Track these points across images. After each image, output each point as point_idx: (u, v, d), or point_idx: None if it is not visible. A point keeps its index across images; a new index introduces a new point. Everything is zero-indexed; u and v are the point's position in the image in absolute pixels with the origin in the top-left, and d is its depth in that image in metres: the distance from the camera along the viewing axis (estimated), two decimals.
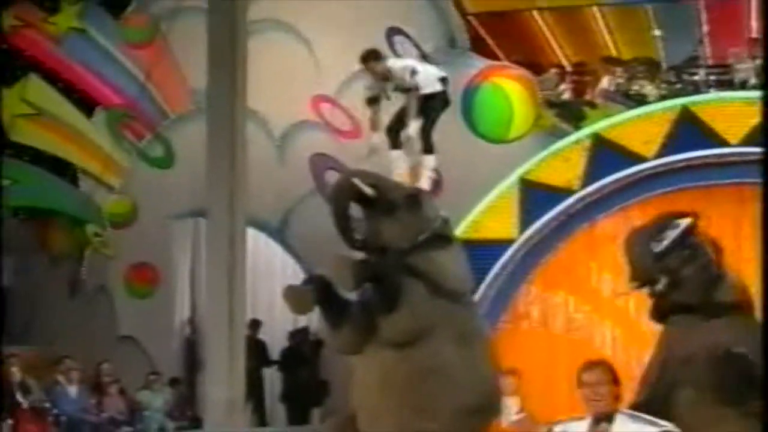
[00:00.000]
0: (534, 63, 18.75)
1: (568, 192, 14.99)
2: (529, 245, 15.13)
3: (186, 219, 17.98)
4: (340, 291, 9.69)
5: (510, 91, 16.52)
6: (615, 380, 6.51)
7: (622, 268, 14.47)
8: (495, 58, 18.78)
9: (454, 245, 10.05)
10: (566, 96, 18.39)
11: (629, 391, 8.08)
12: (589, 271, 15.21)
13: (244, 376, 14.88)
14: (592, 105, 17.62)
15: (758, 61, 16.60)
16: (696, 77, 17.56)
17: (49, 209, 18.90)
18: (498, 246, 15.04)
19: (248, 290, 15.62)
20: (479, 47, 18.63)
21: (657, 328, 9.50)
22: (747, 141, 14.10)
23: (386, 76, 10.37)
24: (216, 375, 14.79)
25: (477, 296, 13.19)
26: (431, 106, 10.34)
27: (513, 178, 15.22)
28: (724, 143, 14.41)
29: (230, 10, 15.05)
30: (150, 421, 15.97)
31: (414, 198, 9.71)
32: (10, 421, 14.37)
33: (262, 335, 17.54)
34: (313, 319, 14.34)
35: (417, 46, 17.26)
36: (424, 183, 10.25)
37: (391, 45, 17.03)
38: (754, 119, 13.96)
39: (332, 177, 16.01)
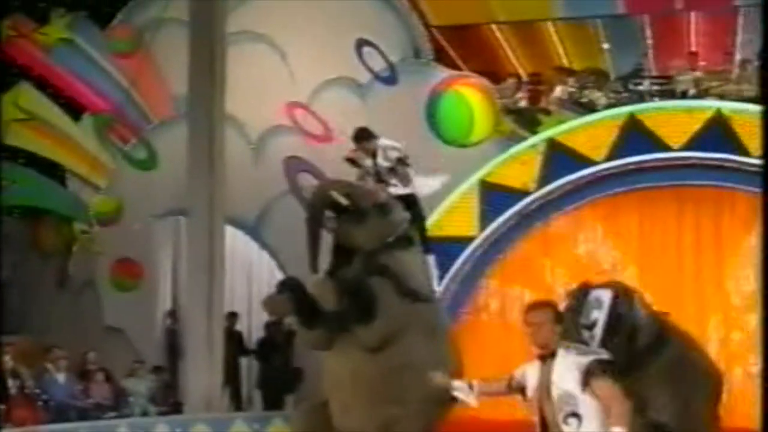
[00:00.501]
0: (493, 73, 18.95)
1: (524, 193, 15.31)
2: (488, 243, 15.52)
3: (168, 217, 17.88)
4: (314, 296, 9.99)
5: (471, 99, 16.80)
6: (557, 319, 6.70)
7: (575, 263, 15.47)
8: (457, 68, 18.98)
9: (417, 247, 10.52)
10: (523, 104, 18.61)
11: None
12: (544, 267, 15.62)
13: (222, 365, 15.13)
14: (547, 112, 17.92)
15: (697, 73, 16.94)
16: (641, 87, 17.75)
17: (41, 208, 18.94)
18: (460, 243, 15.40)
19: (226, 284, 15.73)
20: (442, 58, 18.77)
21: None
22: (687, 146, 14.55)
23: (374, 153, 10.75)
24: (196, 363, 15.06)
25: (440, 289, 13.41)
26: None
27: (473, 180, 15.53)
28: (667, 148, 14.64)
29: (210, 22, 15.31)
30: (134, 406, 15.87)
31: (384, 206, 10.21)
32: (2, 406, 14.37)
33: (239, 326, 17.38)
34: None
35: (384, 56, 17.31)
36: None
37: (360, 56, 17.31)
38: (694, 126, 14.44)
39: (305, 179, 16.36)
